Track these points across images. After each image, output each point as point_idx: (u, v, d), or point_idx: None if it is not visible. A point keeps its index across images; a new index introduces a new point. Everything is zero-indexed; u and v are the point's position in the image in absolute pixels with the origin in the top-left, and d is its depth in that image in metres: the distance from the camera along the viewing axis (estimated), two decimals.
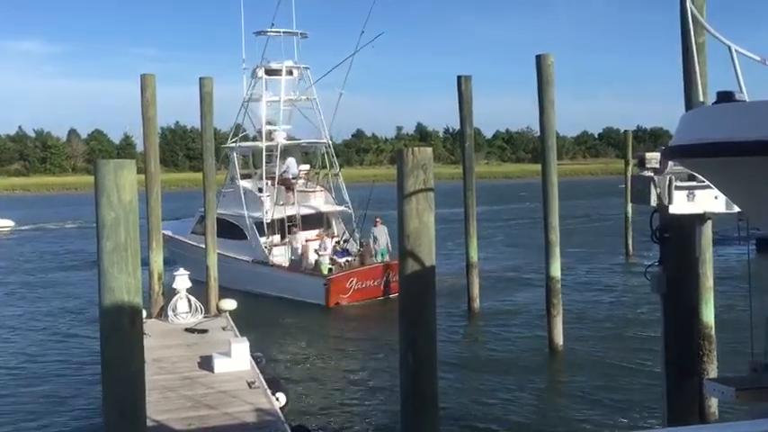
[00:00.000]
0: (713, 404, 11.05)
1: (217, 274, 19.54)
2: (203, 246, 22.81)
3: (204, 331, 15.71)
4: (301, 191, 25.39)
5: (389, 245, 23.26)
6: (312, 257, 23.05)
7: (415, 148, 6.85)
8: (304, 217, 24.50)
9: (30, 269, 32.50)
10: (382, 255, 23.33)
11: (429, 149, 6.98)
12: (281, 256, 23.78)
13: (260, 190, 24.79)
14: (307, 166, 26.60)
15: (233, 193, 25.46)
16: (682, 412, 6.24)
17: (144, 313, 12.05)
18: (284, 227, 24.12)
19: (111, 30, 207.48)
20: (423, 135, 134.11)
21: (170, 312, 16.80)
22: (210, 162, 20.08)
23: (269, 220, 24.05)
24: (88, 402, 13.37)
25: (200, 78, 19.65)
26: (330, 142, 26.31)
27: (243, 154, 26.77)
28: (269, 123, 25.88)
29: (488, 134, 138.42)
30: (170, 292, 17.25)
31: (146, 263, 16.84)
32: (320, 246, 23.15)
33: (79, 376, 15.47)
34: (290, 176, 25.53)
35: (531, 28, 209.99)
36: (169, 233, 28.02)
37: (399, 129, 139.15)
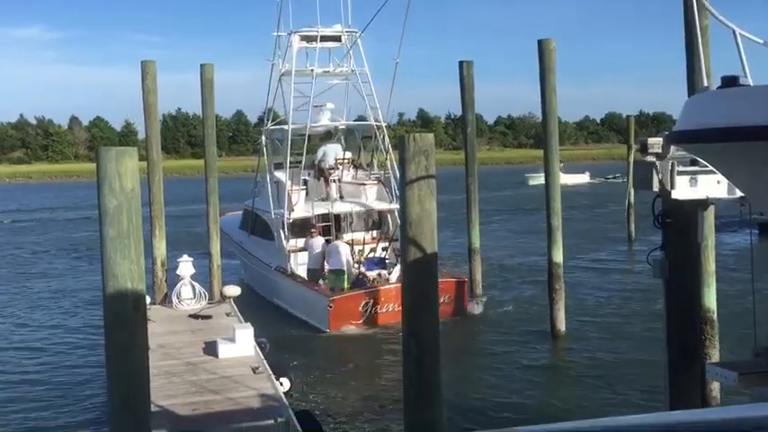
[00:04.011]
0: (715, 388, 11.08)
1: (221, 262, 19.56)
2: (251, 251, 21.50)
3: (208, 317, 15.76)
4: (353, 183, 20.92)
5: None
6: (335, 262, 18.08)
7: (417, 135, 6.84)
8: (348, 216, 20.13)
9: (32, 257, 32.60)
10: None
11: (431, 136, 6.97)
12: (305, 264, 19.21)
13: (305, 182, 20.56)
14: (341, 153, 21.56)
15: (262, 185, 21.74)
16: (684, 397, 6.26)
17: (148, 299, 12.12)
18: (306, 229, 19.55)
19: (111, 16, 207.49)
20: (424, 121, 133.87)
21: (174, 298, 16.84)
22: (212, 149, 20.05)
23: (290, 220, 19.55)
24: (93, 387, 13.44)
25: (202, 65, 19.62)
26: (383, 125, 20.68)
27: (275, 139, 21.99)
28: (315, 102, 20.74)
29: (490, 120, 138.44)
30: (174, 279, 17.32)
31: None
32: (328, 253, 18.42)
33: (84, 362, 15.54)
34: (327, 166, 21.08)
35: (534, 13, 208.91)
36: (224, 230, 24.23)
37: (401, 115, 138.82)
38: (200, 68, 19.57)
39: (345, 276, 17.93)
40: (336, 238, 19.02)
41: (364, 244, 19.52)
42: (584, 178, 63.86)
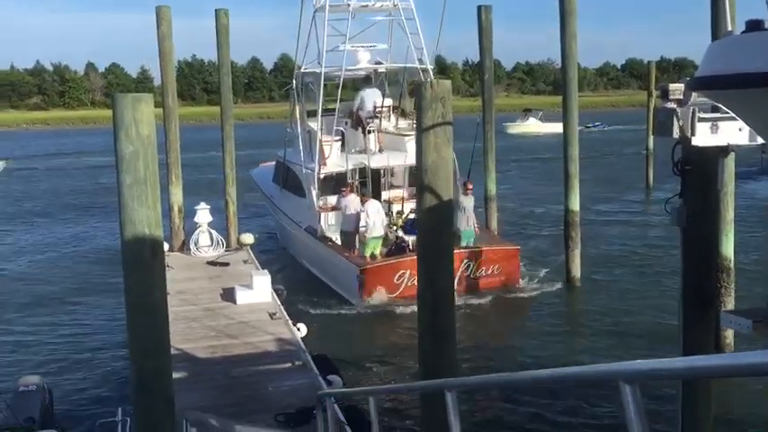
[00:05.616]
0: (729, 336, 11.15)
1: (236, 209, 19.58)
2: (282, 207, 20.00)
3: (226, 264, 15.96)
4: (394, 134, 18.50)
5: (476, 224, 16.79)
6: (374, 227, 15.88)
7: (434, 81, 6.76)
8: (387, 171, 17.83)
9: (47, 205, 32.99)
10: (467, 238, 16.26)
11: (448, 82, 6.88)
12: (338, 224, 17.21)
13: (341, 133, 18.27)
14: (380, 99, 18.74)
15: (294, 135, 19.45)
16: (698, 344, 6.28)
17: (166, 246, 12.27)
18: (339, 185, 17.23)
19: None
20: (442, 68, 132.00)
21: (192, 246, 17.07)
22: (228, 96, 19.95)
23: (322, 175, 17.43)
24: (114, 332, 13.73)
25: (216, 10, 19.35)
26: (429, 68, 18.26)
27: (308, 84, 19.37)
28: (352, 42, 18.11)
29: (508, 66, 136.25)
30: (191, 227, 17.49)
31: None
32: (366, 215, 15.96)
33: (105, 307, 15.83)
34: (365, 115, 18.59)
35: None
36: (257, 182, 23.61)
37: (416, 61, 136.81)
38: (215, 14, 19.34)
39: (380, 242, 16.16)
40: (373, 196, 16.87)
41: (404, 202, 17.36)
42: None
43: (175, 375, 6.93)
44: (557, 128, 61.89)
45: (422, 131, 6.63)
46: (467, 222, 16.28)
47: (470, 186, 16.65)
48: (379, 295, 15.05)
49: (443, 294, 6.76)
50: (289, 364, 9.96)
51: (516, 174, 36.98)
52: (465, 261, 15.40)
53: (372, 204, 16.15)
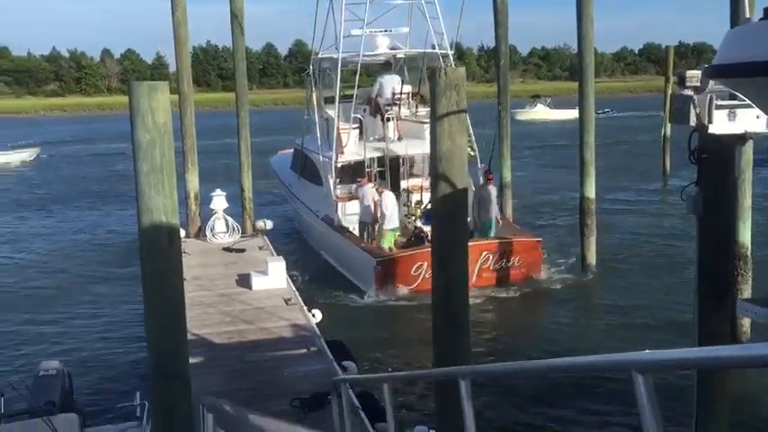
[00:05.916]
0: (746, 324, 11.10)
1: (252, 195, 19.61)
2: (299, 195, 19.73)
3: (242, 250, 16.05)
4: (413, 121, 17.99)
5: (498, 214, 16.60)
6: (390, 219, 15.67)
7: (448, 68, 6.73)
8: (406, 160, 17.41)
9: (67, 193, 33.25)
10: (490, 228, 15.98)
11: (462, 69, 6.84)
12: (355, 215, 16.75)
13: (359, 120, 18.00)
14: (399, 86, 18.30)
15: (312, 121, 19.19)
16: (713, 333, 6.26)
17: (183, 233, 12.36)
18: (357, 174, 16.93)
19: None
20: (459, 53, 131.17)
21: (208, 232, 17.18)
22: (243, 82, 19.94)
23: (339, 164, 17.12)
24: (131, 318, 13.87)
25: None
26: (449, 53, 17.83)
27: (325, 69, 19.15)
28: (370, 27, 17.64)
29: (524, 51, 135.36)
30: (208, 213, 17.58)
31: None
32: (383, 207, 15.68)
33: (122, 294, 15.99)
34: (384, 102, 18.12)
35: None
36: (275, 169, 23.45)
37: (433, 47, 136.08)
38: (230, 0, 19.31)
39: (396, 233, 15.96)
40: (392, 185, 16.75)
41: (423, 192, 16.72)
42: (573, 113, 61.63)
43: (191, 360, 7.01)
44: (564, 114, 61.91)
45: (436, 119, 6.62)
46: (488, 213, 15.99)
47: (491, 176, 16.43)
48: (396, 287, 14.78)
49: (457, 282, 6.78)
50: (304, 350, 10.03)
51: (529, 161, 36.83)
52: (486, 253, 15.19)
53: (388, 196, 15.87)
